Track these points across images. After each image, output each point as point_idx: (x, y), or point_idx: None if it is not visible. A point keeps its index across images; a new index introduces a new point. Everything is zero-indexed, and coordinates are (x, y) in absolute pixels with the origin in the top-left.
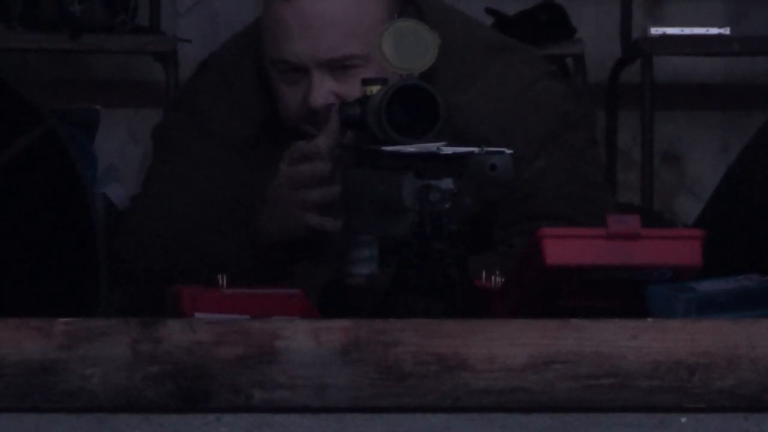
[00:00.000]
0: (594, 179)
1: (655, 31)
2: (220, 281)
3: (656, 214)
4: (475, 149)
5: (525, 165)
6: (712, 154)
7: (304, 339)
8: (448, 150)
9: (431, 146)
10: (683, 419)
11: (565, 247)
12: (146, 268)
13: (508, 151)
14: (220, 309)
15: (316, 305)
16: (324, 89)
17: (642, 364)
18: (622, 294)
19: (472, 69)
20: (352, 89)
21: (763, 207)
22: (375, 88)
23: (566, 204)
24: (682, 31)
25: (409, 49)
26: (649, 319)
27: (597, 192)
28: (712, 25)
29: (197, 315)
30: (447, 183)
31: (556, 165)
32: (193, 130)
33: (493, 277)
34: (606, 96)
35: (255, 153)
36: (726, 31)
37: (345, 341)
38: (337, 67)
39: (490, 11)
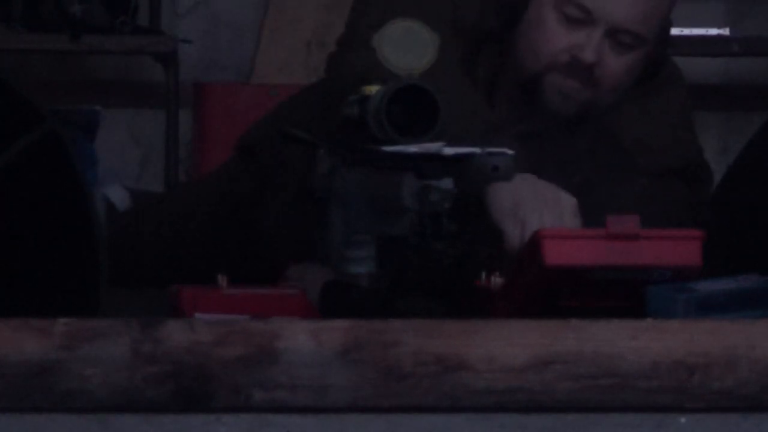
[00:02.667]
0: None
1: None
2: (220, 281)
3: None
4: (477, 150)
5: (635, 179)
6: (712, 155)
7: (304, 339)
8: (449, 150)
9: (432, 146)
10: (683, 419)
11: (565, 247)
12: None
13: (510, 152)
14: (220, 309)
15: (316, 305)
16: (600, 49)
17: (641, 365)
18: (622, 294)
19: (646, 86)
20: (612, 63)
21: (763, 207)
22: (374, 88)
23: None
24: (682, 31)
25: (409, 49)
26: (649, 319)
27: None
28: (712, 26)
29: (197, 315)
30: (447, 183)
31: (653, 194)
32: None
33: (493, 277)
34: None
35: None
36: (726, 31)
37: (345, 341)
38: (617, 38)
39: None
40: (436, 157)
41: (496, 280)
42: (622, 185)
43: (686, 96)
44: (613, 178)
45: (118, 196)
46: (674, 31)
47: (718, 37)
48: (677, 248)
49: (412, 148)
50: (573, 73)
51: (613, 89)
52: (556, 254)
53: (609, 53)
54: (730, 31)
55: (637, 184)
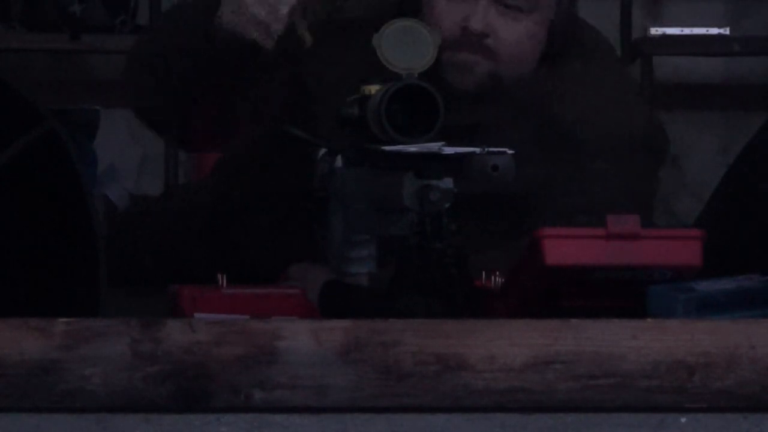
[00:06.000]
0: (644, 201)
1: (655, 31)
2: (220, 281)
3: None
4: (477, 149)
5: (588, 161)
6: (712, 155)
7: (304, 339)
8: (449, 150)
9: (432, 146)
10: (683, 419)
11: (565, 247)
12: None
13: (510, 152)
14: (220, 309)
15: (316, 305)
16: (488, 16)
17: (642, 364)
18: (622, 294)
19: (582, 61)
20: (505, 30)
21: (763, 207)
22: (374, 88)
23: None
24: (682, 31)
25: (409, 49)
26: (649, 319)
27: (645, 213)
28: (712, 25)
29: (197, 315)
30: (447, 183)
31: (615, 174)
32: None
33: (493, 277)
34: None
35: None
36: (726, 31)
37: (345, 341)
38: (504, 2)
39: None
40: (436, 157)
41: (496, 280)
42: (578, 172)
43: (618, 61)
44: (567, 166)
45: (118, 196)
46: (674, 30)
47: (719, 36)
48: (677, 248)
49: (412, 148)
50: (466, 46)
51: (513, 59)
52: (556, 254)
53: (500, 21)
54: (731, 31)
55: (593, 168)
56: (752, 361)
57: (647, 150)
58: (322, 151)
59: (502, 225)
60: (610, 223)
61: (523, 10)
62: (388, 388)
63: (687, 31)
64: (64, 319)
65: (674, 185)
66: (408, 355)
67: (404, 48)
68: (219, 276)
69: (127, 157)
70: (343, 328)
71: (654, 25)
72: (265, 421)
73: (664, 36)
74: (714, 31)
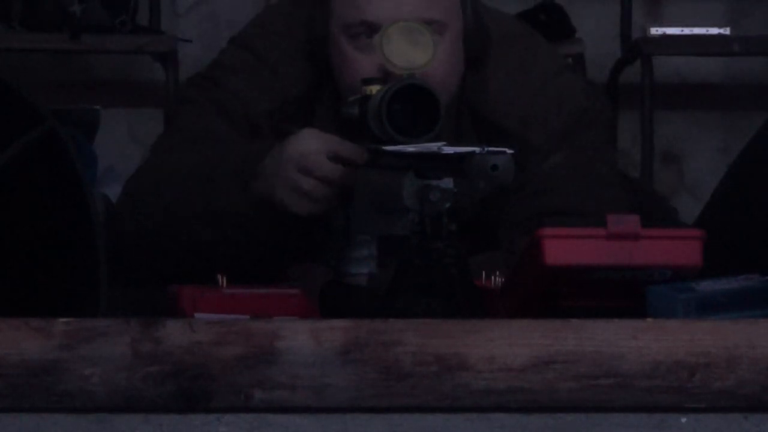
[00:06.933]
0: (608, 179)
1: (655, 31)
2: (220, 281)
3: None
4: (477, 149)
5: (540, 159)
6: (712, 155)
7: (304, 339)
8: (449, 150)
9: (432, 146)
10: (683, 419)
11: (565, 247)
12: (150, 214)
13: (510, 151)
14: (220, 309)
15: (316, 305)
16: None
17: (642, 364)
18: (622, 294)
19: (498, 55)
20: None
21: (763, 207)
22: (375, 88)
23: (579, 202)
24: (682, 31)
25: (409, 49)
26: (649, 319)
27: (611, 191)
28: (712, 25)
29: (197, 315)
30: (447, 183)
31: (571, 162)
32: (210, 107)
33: (493, 277)
34: (606, 96)
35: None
36: (726, 31)
37: (345, 341)
38: None
39: None
40: (436, 157)
41: (496, 280)
42: (539, 170)
43: (539, 41)
44: (525, 171)
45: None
46: (674, 30)
47: (718, 36)
48: (677, 248)
49: (412, 148)
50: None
51: (442, 81)
52: (556, 254)
53: None
54: (731, 31)
55: (550, 164)
56: (752, 361)
57: (592, 123)
58: None
59: (475, 236)
60: (610, 223)
61: (438, 32)
62: (388, 388)
63: (687, 31)
64: (64, 319)
65: (674, 185)
66: (408, 355)
67: (404, 48)
68: (219, 276)
69: (127, 157)
70: (343, 328)
71: (654, 25)
72: (265, 421)
73: (664, 36)
74: (714, 31)
